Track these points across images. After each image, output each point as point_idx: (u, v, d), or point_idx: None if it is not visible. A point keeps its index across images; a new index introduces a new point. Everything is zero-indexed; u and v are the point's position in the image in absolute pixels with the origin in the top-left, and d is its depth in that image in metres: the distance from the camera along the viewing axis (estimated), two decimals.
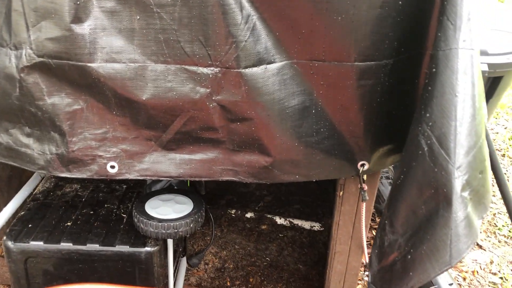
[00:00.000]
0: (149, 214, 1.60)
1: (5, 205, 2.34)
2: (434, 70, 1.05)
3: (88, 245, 1.64)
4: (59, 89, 1.33)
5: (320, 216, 2.64)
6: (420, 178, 1.05)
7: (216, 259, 2.36)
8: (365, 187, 1.50)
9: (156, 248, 1.66)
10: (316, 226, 2.57)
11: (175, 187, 1.91)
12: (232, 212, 2.66)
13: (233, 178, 1.45)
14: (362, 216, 1.60)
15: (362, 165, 1.43)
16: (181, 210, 1.64)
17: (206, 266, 2.32)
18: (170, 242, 1.71)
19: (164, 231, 1.56)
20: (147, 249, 1.65)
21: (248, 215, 2.64)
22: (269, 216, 2.63)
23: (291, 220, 2.61)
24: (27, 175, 2.51)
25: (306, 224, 2.58)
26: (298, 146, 1.36)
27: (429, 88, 1.06)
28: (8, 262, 1.68)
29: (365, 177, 1.49)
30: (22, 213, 1.80)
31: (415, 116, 1.14)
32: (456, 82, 1.03)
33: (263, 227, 2.57)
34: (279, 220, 2.61)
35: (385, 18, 1.16)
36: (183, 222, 1.58)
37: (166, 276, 1.82)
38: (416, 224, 1.06)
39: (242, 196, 2.78)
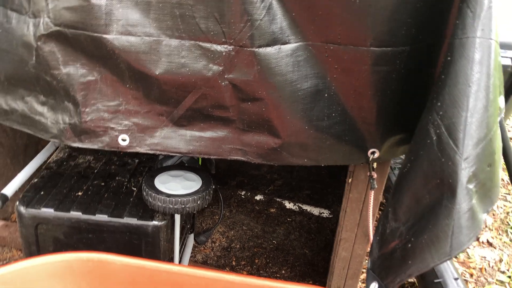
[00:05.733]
0: (157, 189, 1.62)
1: (21, 169, 2.40)
2: (449, 58, 1.03)
3: (97, 215, 1.67)
4: (75, 59, 1.34)
5: (330, 203, 2.63)
6: (426, 167, 1.04)
7: (223, 238, 2.39)
8: (375, 175, 1.49)
9: (163, 222, 1.68)
10: (325, 213, 2.57)
11: (186, 164, 1.93)
12: (242, 194, 2.67)
13: (242, 158, 1.46)
14: (370, 204, 1.59)
15: (373, 152, 1.41)
16: (190, 187, 1.65)
17: (213, 244, 2.34)
18: (177, 218, 1.73)
19: (171, 206, 1.58)
20: (155, 222, 1.67)
21: (258, 197, 2.65)
22: (278, 199, 2.64)
23: (300, 205, 2.62)
24: (43, 144, 2.56)
25: (315, 210, 2.59)
26: (308, 129, 1.36)
27: (442, 76, 1.04)
28: (20, 227, 1.72)
29: (375, 165, 1.48)
30: (35, 180, 1.83)
31: (427, 105, 1.12)
32: (471, 72, 1.00)
33: (272, 210, 2.58)
34: (288, 205, 2.62)
35: (404, 3, 1.14)
36: (190, 198, 1.59)
37: (172, 251, 1.85)
38: (419, 213, 1.05)
39: (252, 178, 2.79)
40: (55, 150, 2.07)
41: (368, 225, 1.67)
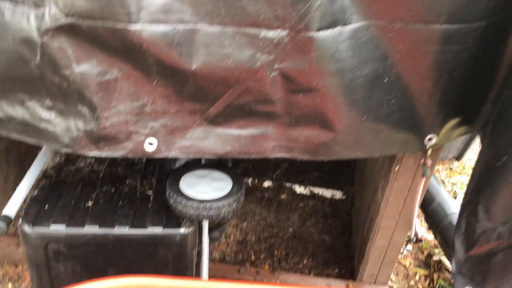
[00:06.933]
0: (186, 194, 1.44)
1: (4, 178, 2.15)
2: None
3: (116, 228, 1.48)
4: (90, 55, 1.12)
5: (341, 184, 2.52)
6: None
7: (237, 231, 2.24)
8: (429, 162, 1.37)
9: (191, 229, 1.51)
10: (338, 195, 2.47)
11: (203, 161, 1.75)
12: (249, 181, 2.52)
13: (286, 155, 1.30)
14: (419, 192, 1.48)
15: (430, 139, 1.29)
16: (221, 188, 1.48)
17: (227, 239, 2.20)
18: (205, 224, 1.56)
19: (205, 213, 1.41)
20: (182, 230, 1.49)
21: (266, 184, 2.51)
22: (287, 184, 2.50)
23: (311, 188, 2.49)
24: (26, 146, 2.30)
25: (327, 193, 2.47)
26: (366, 120, 1.21)
27: None
28: (26, 248, 1.50)
29: (429, 151, 1.36)
30: (36, 193, 1.61)
31: None
32: None
33: (282, 196, 2.45)
34: (299, 189, 2.49)
35: None
36: (226, 202, 1.43)
37: (198, 257, 1.69)
38: None
39: (257, 164, 2.63)
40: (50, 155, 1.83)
41: (412, 213, 1.56)
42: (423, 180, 1.44)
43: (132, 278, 1.23)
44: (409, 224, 1.62)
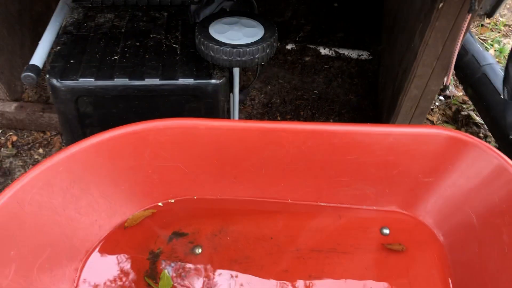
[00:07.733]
0: (218, 40, 1.38)
1: (20, 41, 2.08)
2: None
3: (146, 79, 1.44)
4: None
5: (368, 44, 2.43)
6: None
7: (261, 94, 2.21)
8: None
9: (222, 80, 1.46)
10: (364, 55, 2.38)
11: (228, 11, 1.65)
12: None
13: None
14: (462, 31, 1.39)
15: None
16: (253, 34, 1.41)
17: (252, 102, 2.17)
18: (236, 71, 1.51)
19: (239, 58, 1.35)
20: (214, 81, 1.45)
21: (289, 46, 2.42)
22: (311, 46, 2.41)
23: (336, 49, 2.40)
24: (37, 11, 2.19)
25: (353, 53, 2.39)
26: None
27: None
28: (56, 103, 1.48)
29: None
30: (58, 48, 1.55)
31: None
32: None
33: (307, 58, 2.37)
34: (323, 51, 2.40)
35: None
36: (259, 47, 1.36)
37: (229, 110, 1.67)
38: None
39: (278, 26, 2.51)
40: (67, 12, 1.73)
41: (451, 57, 1.49)
42: (469, 17, 1.35)
43: (172, 120, 1.22)
44: (446, 70, 1.56)
